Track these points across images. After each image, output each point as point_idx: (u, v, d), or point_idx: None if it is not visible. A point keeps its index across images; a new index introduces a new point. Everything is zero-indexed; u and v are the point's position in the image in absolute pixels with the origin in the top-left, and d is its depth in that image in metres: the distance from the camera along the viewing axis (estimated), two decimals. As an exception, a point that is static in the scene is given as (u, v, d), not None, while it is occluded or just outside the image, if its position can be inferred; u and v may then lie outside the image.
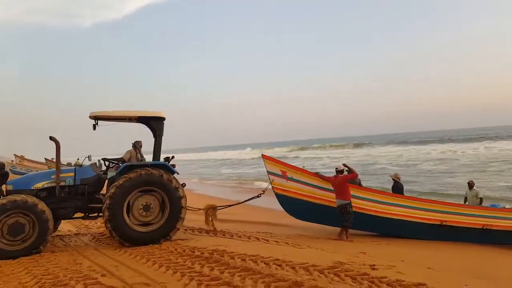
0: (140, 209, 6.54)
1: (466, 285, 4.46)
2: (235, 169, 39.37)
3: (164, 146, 7.26)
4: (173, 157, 7.52)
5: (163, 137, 7.23)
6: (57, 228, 7.91)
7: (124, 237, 6.38)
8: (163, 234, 6.58)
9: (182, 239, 6.93)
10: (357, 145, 65.22)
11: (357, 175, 8.81)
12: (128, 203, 6.48)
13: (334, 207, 8.69)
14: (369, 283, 4.27)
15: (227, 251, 5.75)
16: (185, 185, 7.09)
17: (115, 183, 6.39)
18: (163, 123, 7.16)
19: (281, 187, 8.73)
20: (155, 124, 7.11)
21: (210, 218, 8.40)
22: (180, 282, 4.32)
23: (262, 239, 7.41)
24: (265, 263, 5.08)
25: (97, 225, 9.04)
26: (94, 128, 6.88)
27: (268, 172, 8.83)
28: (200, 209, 8.63)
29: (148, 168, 6.56)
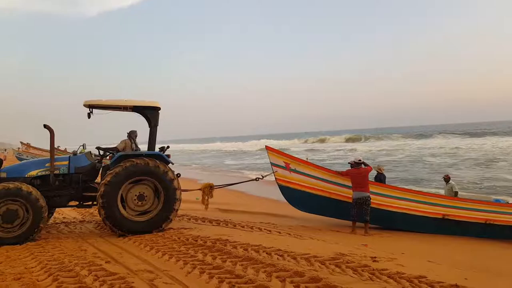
0: (135, 199, 6.53)
1: (466, 279, 4.48)
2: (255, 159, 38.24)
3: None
4: (168, 147, 7.52)
5: (158, 127, 7.18)
6: (52, 216, 7.94)
7: (118, 225, 6.37)
8: (155, 224, 6.57)
9: (186, 228, 7.00)
10: (415, 136, 58.24)
11: (371, 169, 8.84)
12: (121, 196, 6.47)
13: (337, 200, 8.70)
14: (370, 275, 4.31)
15: (229, 240, 5.81)
16: (179, 175, 7.08)
17: (111, 171, 6.38)
18: (158, 113, 7.11)
19: (284, 179, 8.77)
20: (150, 113, 7.07)
21: (206, 197, 8.47)
22: (183, 270, 4.39)
23: (265, 229, 7.46)
24: (267, 253, 5.13)
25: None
26: (89, 116, 6.86)
27: (272, 164, 8.86)
28: (198, 189, 8.70)
29: (144, 158, 6.54)
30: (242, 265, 4.54)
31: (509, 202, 10.55)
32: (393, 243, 7.35)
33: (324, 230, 8.39)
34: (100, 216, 6.45)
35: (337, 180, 8.80)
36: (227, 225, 7.81)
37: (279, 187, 8.90)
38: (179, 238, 6.07)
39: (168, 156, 7.01)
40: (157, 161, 6.58)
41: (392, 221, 8.74)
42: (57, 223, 8.04)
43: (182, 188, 6.95)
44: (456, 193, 9.83)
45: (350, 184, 8.65)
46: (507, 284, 5.06)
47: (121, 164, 6.42)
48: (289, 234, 7.16)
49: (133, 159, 6.48)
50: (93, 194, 6.67)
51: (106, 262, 4.75)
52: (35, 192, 6.14)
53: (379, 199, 8.61)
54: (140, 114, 7.24)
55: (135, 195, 6.55)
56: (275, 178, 8.84)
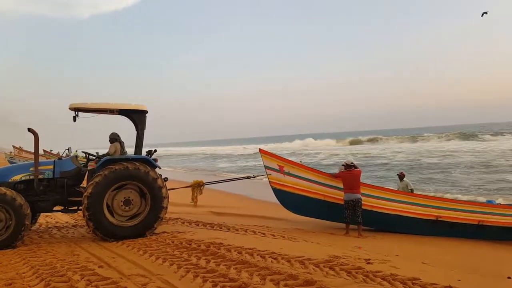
0: (121, 205, 6.44)
1: (459, 280, 4.51)
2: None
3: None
4: (155, 150, 7.48)
5: (145, 130, 7.11)
6: (36, 221, 7.77)
7: (108, 233, 6.27)
8: (139, 230, 6.47)
9: (179, 232, 6.97)
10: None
11: (361, 171, 8.87)
12: (117, 189, 6.39)
13: (331, 202, 8.70)
14: (364, 277, 4.32)
15: (223, 244, 5.79)
16: (167, 180, 7.02)
17: (100, 173, 6.28)
18: (145, 116, 7.04)
19: (278, 182, 8.76)
20: (136, 117, 6.99)
21: (196, 194, 8.46)
22: (176, 274, 4.36)
23: (259, 232, 7.45)
24: (261, 256, 5.12)
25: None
26: (74, 119, 6.74)
27: (265, 167, 8.85)
28: (187, 186, 8.67)
29: (131, 162, 6.45)
30: (236, 268, 4.52)
31: (502, 203, 10.67)
32: (387, 245, 7.37)
33: (318, 232, 8.40)
34: (84, 217, 6.32)
35: (332, 182, 8.82)
36: (221, 228, 7.79)
37: (273, 191, 8.89)
38: (172, 242, 6.04)
39: (155, 160, 6.92)
40: (147, 167, 6.50)
41: (386, 224, 8.78)
42: (49, 228, 7.96)
43: (171, 187, 6.85)
44: (411, 191, 9.85)
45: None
46: (499, 285, 5.10)
47: (110, 166, 6.34)
48: (283, 237, 7.16)
49: (119, 164, 6.38)
50: (79, 198, 6.57)
51: (99, 267, 4.71)
52: (20, 199, 5.98)
53: (373, 201, 8.65)
54: (127, 117, 7.14)
55: (121, 201, 6.44)
56: (269, 181, 8.83)
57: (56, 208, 6.86)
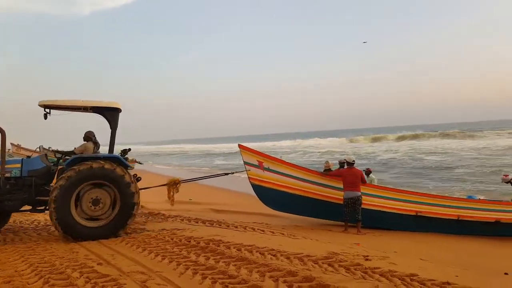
0: (89, 202, 6.28)
1: (457, 276, 4.54)
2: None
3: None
4: (129, 149, 7.41)
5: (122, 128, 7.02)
6: (7, 222, 7.54)
7: (70, 230, 6.14)
8: (111, 230, 6.33)
9: (179, 229, 6.98)
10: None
11: (362, 172, 8.84)
12: (78, 194, 6.24)
13: (311, 198, 8.61)
14: (362, 274, 4.34)
15: (223, 241, 5.81)
16: (140, 179, 6.92)
17: (63, 175, 6.14)
18: (118, 114, 6.86)
19: (258, 178, 8.62)
20: (109, 115, 6.80)
21: (172, 193, 8.36)
22: (176, 271, 4.37)
23: (258, 229, 7.47)
24: (260, 253, 5.14)
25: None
26: (45, 117, 6.54)
27: (245, 163, 8.67)
28: (163, 185, 8.59)
29: (100, 161, 6.28)
30: (235, 265, 4.54)
31: (481, 198, 10.68)
32: (385, 242, 7.41)
33: (317, 229, 8.43)
34: (51, 221, 6.15)
35: (313, 178, 8.71)
36: (220, 225, 7.81)
37: (252, 186, 8.75)
38: (172, 239, 6.05)
39: (127, 159, 6.79)
40: (114, 164, 6.32)
41: (368, 219, 8.67)
42: (48, 225, 7.95)
43: (148, 186, 6.75)
44: None
45: (328, 183, 8.62)
46: (496, 281, 5.13)
47: (75, 167, 6.15)
48: (283, 233, 7.18)
49: (89, 162, 6.22)
50: (47, 198, 6.37)
51: (98, 264, 4.71)
52: None
53: None
54: (100, 115, 6.95)
55: (91, 198, 6.29)
56: (248, 177, 8.68)
57: (24, 208, 6.66)
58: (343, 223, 8.55)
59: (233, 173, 9.11)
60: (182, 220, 8.35)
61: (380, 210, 8.62)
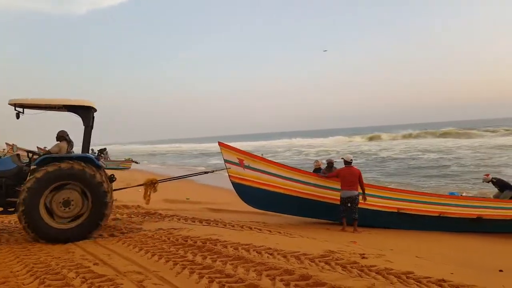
0: (60, 203, 6.11)
1: (452, 273, 4.58)
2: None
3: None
4: (104, 149, 7.28)
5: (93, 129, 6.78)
6: None
7: (40, 233, 5.99)
8: (84, 231, 6.17)
9: (175, 228, 6.97)
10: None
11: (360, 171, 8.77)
12: (54, 189, 6.09)
13: (292, 196, 8.52)
14: (359, 271, 4.36)
15: (220, 240, 5.81)
16: (115, 179, 6.84)
17: (31, 176, 6.00)
18: (92, 113, 6.72)
19: (238, 176, 8.47)
20: (83, 114, 6.64)
21: (148, 192, 8.28)
22: (172, 271, 4.37)
23: (255, 228, 7.47)
24: (257, 252, 5.14)
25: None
26: (18, 116, 6.37)
27: (225, 161, 8.47)
28: (140, 185, 8.52)
29: (69, 161, 6.14)
30: (232, 264, 4.54)
31: (463, 194, 10.73)
32: (381, 240, 7.44)
33: (314, 228, 8.45)
34: (20, 224, 6.00)
35: (295, 176, 8.62)
36: (217, 224, 7.80)
37: (232, 185, 8.60)
38: (168, 239, 6.04)
39: (98, 159, 6.62)
40: (83, 164, 6.18)
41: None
42: None
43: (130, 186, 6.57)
44: None
45: (310, 181, 8.55)
46: (491, 278, 5.16)
47: (44, 168, 6.02)
48: (279, 232, 7.19)
49: (56, 163, 6.07)
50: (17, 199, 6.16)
51: (94, 264, 4.70)
52: None
53: (336, 193, 8.54)
54: (74, 113, 6.78)
55: (60, 201, 6.13)
56: (229, 176, 8.53)
57: None
58: (331, 221, 8.57)
59: (212, 171, 8.98)
60: (179, 219, 8.33)
61: (361, 208, 8.48)
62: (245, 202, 8.74)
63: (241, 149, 8.94)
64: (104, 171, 6.84)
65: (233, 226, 7.63)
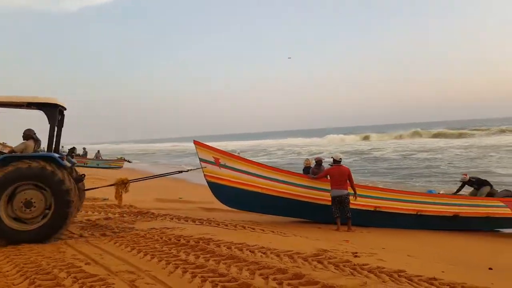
0: (21, 204, 5.94)
1: (443, 272, 4.62)
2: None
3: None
4: (74, 148, 7.17)
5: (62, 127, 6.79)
6: None
7: (3, 236, 5.85)
8: (46, 232, 6.03)
9: (168, 228, 6.94)
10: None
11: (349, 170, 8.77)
12: (15, 190, 5.95)
13: (269, 195, 8.42)
14: (351, 270, 4.39)
15: (213, 239, 5.80)
16: (83, 177, 6.73)
17: None
18: (56, 110, 6.56)
19: (214, 175, 8.28)
20: (48, 111, 6.47)
21: (120, 192, 8.18)
22: (165, 270, 4.35)
23: (248, 227, 7.47)
24: (250, 251, 5.15)
25: (82, 213, 8.96)
26: None
27: (200, 160, 8.28)
28: (110, 185, 8.42)
29: (26, 160, 6.00)
30: (225, 263, 4.54)
31: (441, 192, 10.77)
32: (373, 239, 7.48)
33: (307, 227, 8.47)
34: None
35: (272, 175, 8.51)
36: (210, 224, 7.79)
37: (208, 184, 8.42)
38: (161, 238, 6.01)
39: (63, 158, 6.45)
40: (43, 163, 6.05)
41: (329, 215, 8.50)
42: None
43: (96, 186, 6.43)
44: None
45: (287, 180, 8.45)
46: (481, 276, 5.23)
47: (2, 168, 5.89)
48: (273, 231, 7.19)
49: (14, 163, 5.95)
50: None
51: (85, 264, 4.66)
52: None
53: (314, 192, 8.54)
54: (40, 111, 6.59)
55: (22, 203, 5.98)
56: (204, 175, 8.36)
57: None
58: (322, 221, 8.54)
59: (187, 171, 8.85)
60: (172, 219, 8.30)
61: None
62: (221, 201, 8.56)
63: (217, 148, 8.73)
64: (73, 170, 6.74)
65: (226, 225, 7.62)
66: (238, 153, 9.18)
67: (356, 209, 8.47)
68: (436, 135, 53.59)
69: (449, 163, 23.16)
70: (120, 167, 26.59)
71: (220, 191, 8.37)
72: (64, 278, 4.10)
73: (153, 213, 8.99)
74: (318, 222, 8.83)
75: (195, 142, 8.55)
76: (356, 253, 5.24)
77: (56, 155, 6.43)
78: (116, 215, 8.73)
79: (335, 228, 8.30)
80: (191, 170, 8.89)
